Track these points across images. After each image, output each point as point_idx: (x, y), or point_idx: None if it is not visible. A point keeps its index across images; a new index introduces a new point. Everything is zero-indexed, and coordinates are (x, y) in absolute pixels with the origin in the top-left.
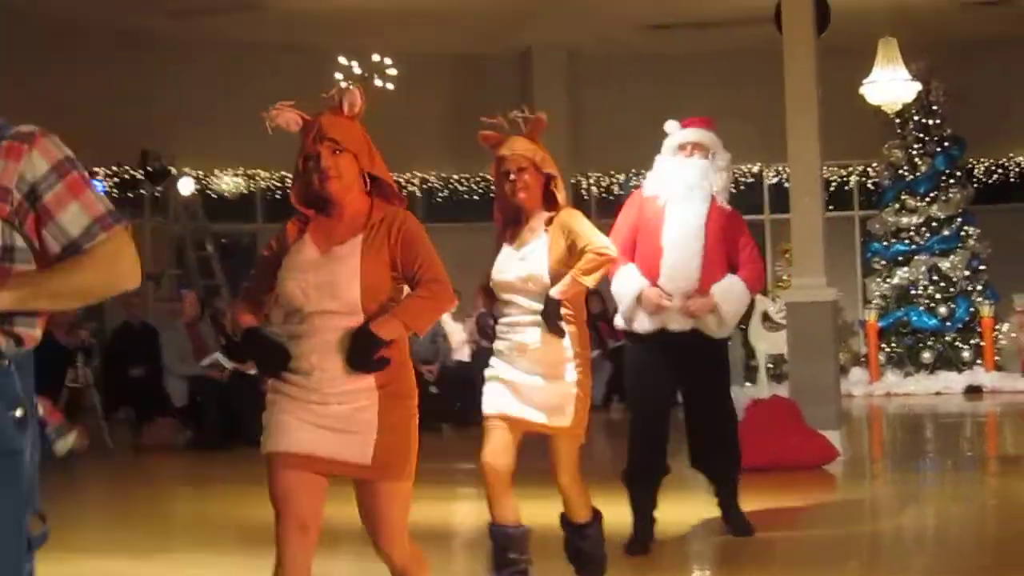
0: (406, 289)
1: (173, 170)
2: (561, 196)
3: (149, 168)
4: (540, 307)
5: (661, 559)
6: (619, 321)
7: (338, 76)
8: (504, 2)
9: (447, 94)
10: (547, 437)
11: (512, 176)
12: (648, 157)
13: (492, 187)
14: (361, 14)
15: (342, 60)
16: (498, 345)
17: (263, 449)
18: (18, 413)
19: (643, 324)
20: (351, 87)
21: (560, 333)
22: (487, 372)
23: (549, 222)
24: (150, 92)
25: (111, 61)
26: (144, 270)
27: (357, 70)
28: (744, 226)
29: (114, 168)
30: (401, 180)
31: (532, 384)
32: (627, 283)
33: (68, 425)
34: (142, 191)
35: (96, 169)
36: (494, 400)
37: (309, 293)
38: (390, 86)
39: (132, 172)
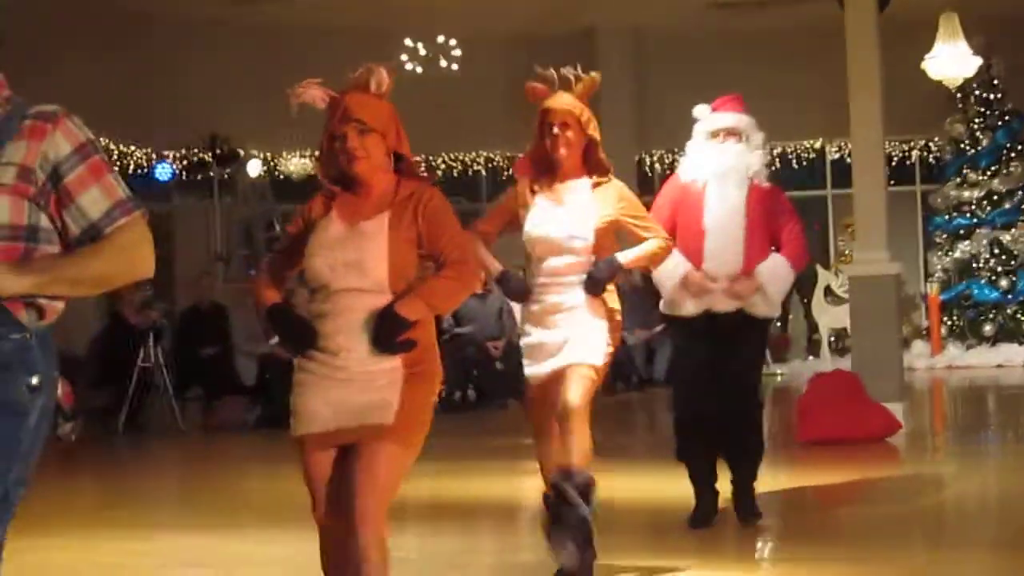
0: None
1: (241, 153)
2: (606, 161)
3: (218, 151)
4: (581, 265)
5: (724, 532)
6: (663, 306)
7: (404, 58)
8: None
9: (511, 74)
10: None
11: (556, 130)
12: None
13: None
14: None
15: (407, 42)
16: (530, 307)
17: (293, 433)
18: (34, 381)
19: (688, 307)
20: (379, 66)
21: (599, 293)
22: (523, 341)
23: (596, 186)
24: (218, 77)
25: (179, 49)
26: (214, 250)
27: (423, 52)
28: (786, 202)
29: (183, 151)
30: (467, 159)
31: (563, 336)
32: (671, 267)
33: (75, 412)
34: (211, 174)
35: (166, 153)
36: (528, 369)
37: (337, 270)
38: (455, 67)
39: (201, 155)
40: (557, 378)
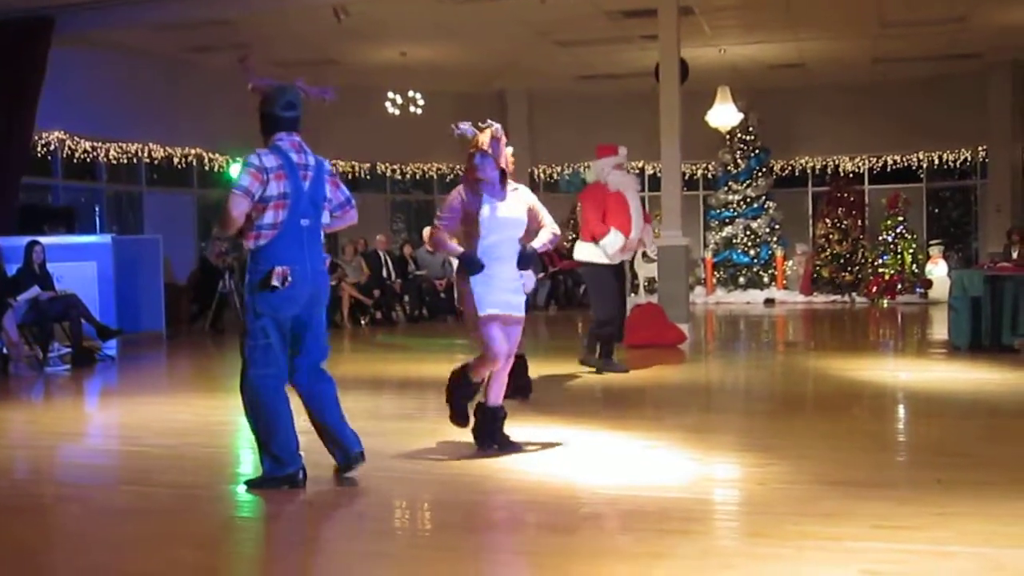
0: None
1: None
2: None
3: None
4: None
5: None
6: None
7: (387, 104)
8: (488, 61)
9: (453, 115)
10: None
11: None
12: (576, 159)
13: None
14: (401, 66)
15: (389, 94)
16: None
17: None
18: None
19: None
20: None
21: None
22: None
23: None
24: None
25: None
26: None
27: (399, 100)
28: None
29: None
30: (425, 168)
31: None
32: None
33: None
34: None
35: None
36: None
37: None
38: (419, 111)
39: None
40: None
